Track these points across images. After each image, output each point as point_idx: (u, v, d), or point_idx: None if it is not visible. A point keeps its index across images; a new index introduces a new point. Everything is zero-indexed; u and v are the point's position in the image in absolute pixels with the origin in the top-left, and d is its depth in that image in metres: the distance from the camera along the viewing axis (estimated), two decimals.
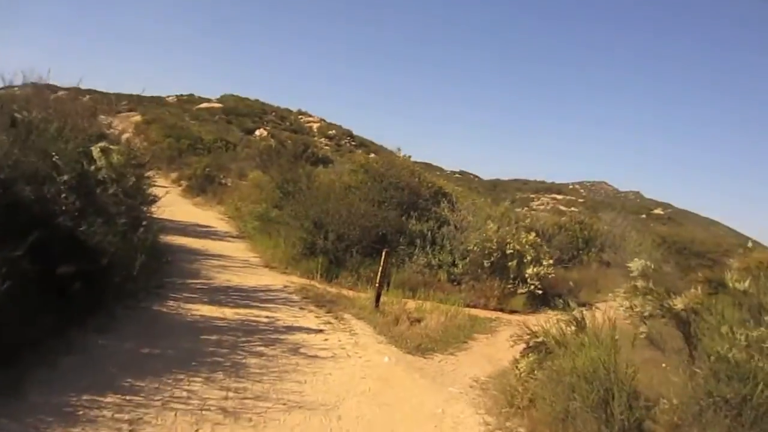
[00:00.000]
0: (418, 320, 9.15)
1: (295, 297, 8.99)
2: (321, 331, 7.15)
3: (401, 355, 6.80)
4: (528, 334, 5.41)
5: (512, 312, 11.56)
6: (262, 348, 5.98)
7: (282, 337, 6.56)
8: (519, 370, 5.05)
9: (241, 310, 7.54)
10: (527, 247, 12.28)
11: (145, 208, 8.90)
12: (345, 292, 10.27)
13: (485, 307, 11.44)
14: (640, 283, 5.01)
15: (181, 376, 4.83)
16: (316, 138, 59.55)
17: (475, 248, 12.03)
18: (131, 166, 7.43)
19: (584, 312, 6.48)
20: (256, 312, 7.57)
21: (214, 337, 6.12)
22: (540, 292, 12.08)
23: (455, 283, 12.24)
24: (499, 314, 11.19)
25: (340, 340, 6.84)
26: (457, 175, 69.04)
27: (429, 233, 12.90)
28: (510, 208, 19.04)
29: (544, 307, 12.34)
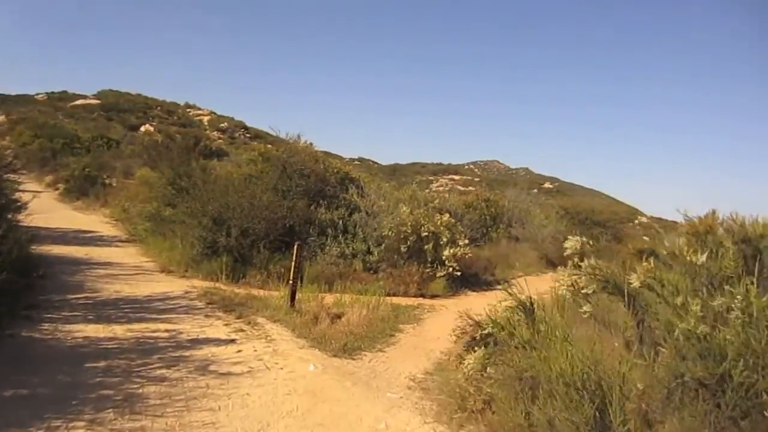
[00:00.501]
0: (339, 316, 8.44)
1: (198, 303, 7.96)
2: (232, 341, 6.24)
3: (327, 359, 6.05)
4: (471, 326, 4.82)
5: (433, 297, 11.13)
6: (163, 371, 5.01)
7: (187, 353, 5.60)
8: (467, 367, 4.46)
9: (135, 326, 6.46)
10: (442, 228, 11.88)
11: (8, 216, 7.50)
12: (255, 292, 9.34)
13: (405, 294, 10.92)
14: (587, 262, 4.54)
15: (58, 423, 3.80)
16: (207, 131, 56.77)
17: (390, 233, 11.46)
18: None
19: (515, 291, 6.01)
20: (153, 326, 6.52)
21: (101, 364, 5.06)
22: (458, 273, 11.74)
23: (372, 272, 11.62)
24: (421, 300, 10.71)
25: (255, 350, 5.98)
26: (356, 162, 68.58)
27: (340, 221, 12.18)
28: (416, 190, 18.73)
29: (463, 288, 12.06)
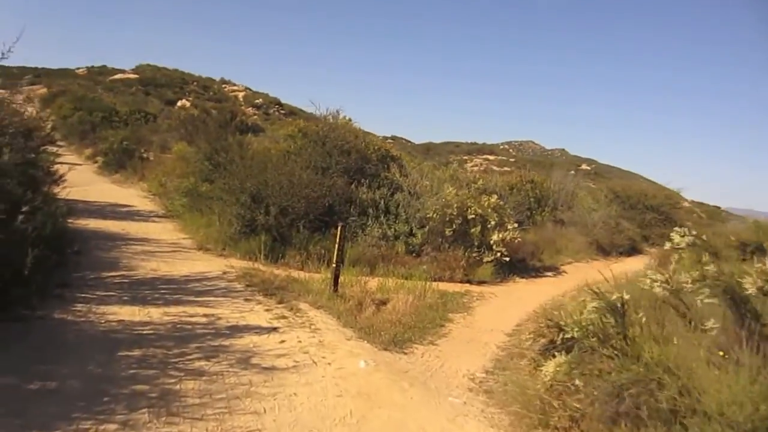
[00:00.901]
0: (384, 302, 7.96)
1: (237, 285, 7.54)
2: (275, 329, 5.79)
3: (377, 353, 5.56)
4: (550, 327, 4.23)
5: (481, 283, 10.56)
6: (201, 363, 4.58)
7: (226, 343, 5.17)
8: (548, 375, 3.88)
9: (172, 309, 6.06)
10: (489, 210, 11.24)
11: (44, 188, 7.20)
12: (295, 273, 8.89)
13: (451, 279, 10.37)
14: (703, 258, 3.86)
15: (87, 425, 3.39)
16: (242, 107, 56.64)
17: (435, 215, 10.87)
18: (10, 134, 5.70)
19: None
20: (191, 310, 6.11)
21: (136, 353, 4.66)
22: (507, 259, 11.12)
23: (415, 255, 11.10)
24: (468, 287, 10.15)
25: (300, 340, 5.51)
26: (389, 140, 67.78)
27: (382, 201, 11.63)
28: (457, 169, 18.07)
29: (512, 275, 11.45)
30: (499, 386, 4.95)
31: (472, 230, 11.06)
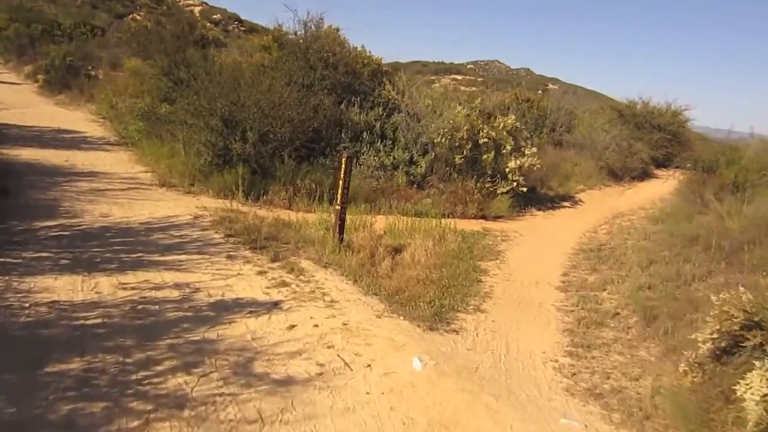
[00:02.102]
0: (398, 250, 6.46)
1: (215, 235, 5.89)
2: (276, 305, 4.24)
3: (424, 337, 4.10)
4: (738, 317, 2.75)
5: (497, 218, 9.12)
6: (179, 380, 3.02)
7: (212, 334, 3.60)
8: (745, 393, 2.45)
9: (130, 277, 4.42)
10: (505, 134, 9.63)
11: None
12: (283, 215, 7.28)
13: (464, 215, 8.88)
14: None
15: None
16: (200, 21, 52.57)
17: (443, 140, 9.21)
18: None
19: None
20: (156, 277, 4.49)
21: (74, 365, 3.06)
22: (524, 189, 9.65)
23: (418, 187, 9.53)
24: (485, 223, 8.71)
25: (316, 324, 3.99)
26: None
27: (377, 124, 9.88)
28: (447, 87, 16.25)
29: (528, 207, 10.02)
30: (603, 382, 3.59)
31: (485, 157, 9.49)
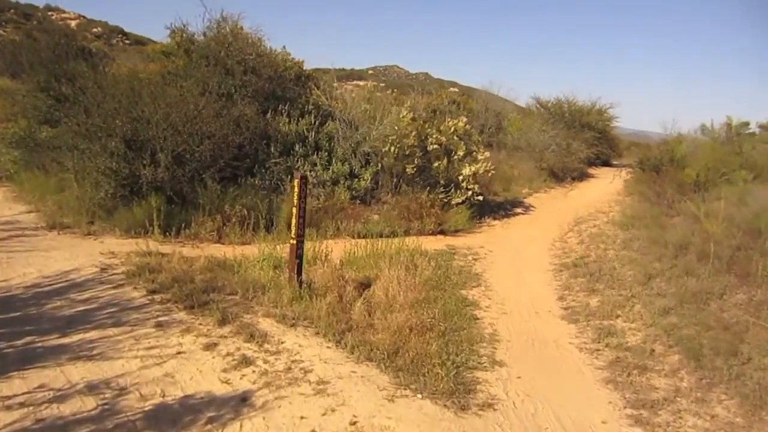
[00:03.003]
0: (366, 285, 5.27)
1: (134, 293, 4.42)
2: (245, 400, 2.93)
3: (455, 421, 2.99)
4: None
5: (456, 233, 8.11)
6: None
7: None
8: None
9: (16, 383, 2.95)
10: (456, 138, 8.68)
11: None
12: (216, 251, 5.89)
13: (422, 232, 7.81)
14: None
15: None
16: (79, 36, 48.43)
17: (392, 149, 8.10)
18: None
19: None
20: (56, 377, 3.04)
21: None
22: (480, 198, 8.74)
23: (362, 203, 8.35)
24: (446, 240, 7.71)
25: (313, 430, 2.69)
26: None
27: (310, 135, 8.61)
28: (373, 91, 15.23)
29: (483, 216, 9.12)
30: None
31: (436, 165, 8.49)
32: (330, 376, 3.26)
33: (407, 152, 8.17)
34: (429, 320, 4.44)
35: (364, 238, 7.34)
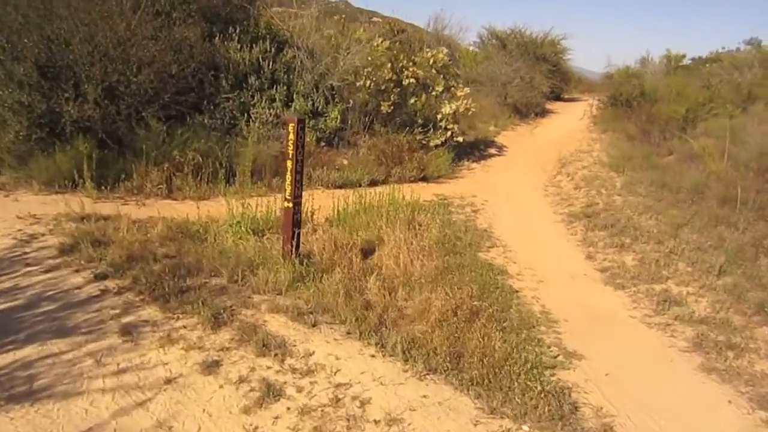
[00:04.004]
0: (371, 251, 4.31)
1: (76, 278, 3.24)
2: None
3: None
4: None
5: (438, 179, 7.20)
6: None
7: None
8: None
9: None
10: (434, 73, 7.63)
11: None
12: (170, 210, 4.71)
13: (402, 179, 6.83)
14: None
15: None
16: None
17: (367, 82, 6.95)
18: None
19: None
20: None
21: None
22: (460, 139, 7.84)
23: (328, 146, 7.23)
24: (429, 187, 6.87)
25: None
26: None
27: (266, 64, 7.27)
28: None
29: (462, 160, 8.25)
30: None
31: (412, 102, 7.44)
32: (398, 408, 2.33)
33: (383, 87, 7.04)
34: (468, 299, 3.55)
35: (341, 187, 6.30)
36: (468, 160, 8.33)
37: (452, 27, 15.94)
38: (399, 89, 7.32)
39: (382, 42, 7.24)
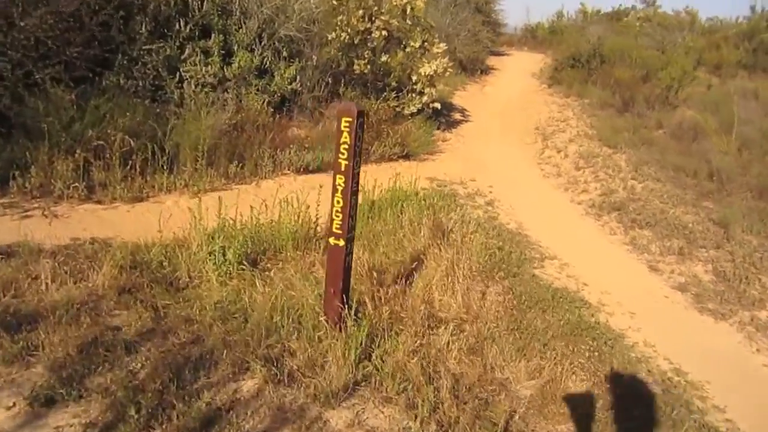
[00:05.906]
0: (405, 274, 3.10)
1: None
2: None
3: None
4: None
5: (419, 156, 5.96)
6: None
7: None
8: None
9: None
10: (410, 24, 6.27)
11: None
12: (98, 223, 3.20)
13: (382, 157, 5.53)
14: None
15: None
16: None
17: (342, 35, 5.49)
18: None
19: None
20: None
21: None
22: (437, 106, 6.64)
23: (283, 115, 5.73)
24: (417, 168, 5.55)
25: None
26: None
27: (195, 3, 5.53)
28: None
29: (438, 130, 7.08)
30: None
31: (384, 60, 6.06)
32: None
33: (356, 41, 5.62)
34: (585, 378, 2.46)
35: (317, 172, 4.91)
36: (439, 129, 7.15)
37: None
38: (371, 43, 5.92)
39: None
